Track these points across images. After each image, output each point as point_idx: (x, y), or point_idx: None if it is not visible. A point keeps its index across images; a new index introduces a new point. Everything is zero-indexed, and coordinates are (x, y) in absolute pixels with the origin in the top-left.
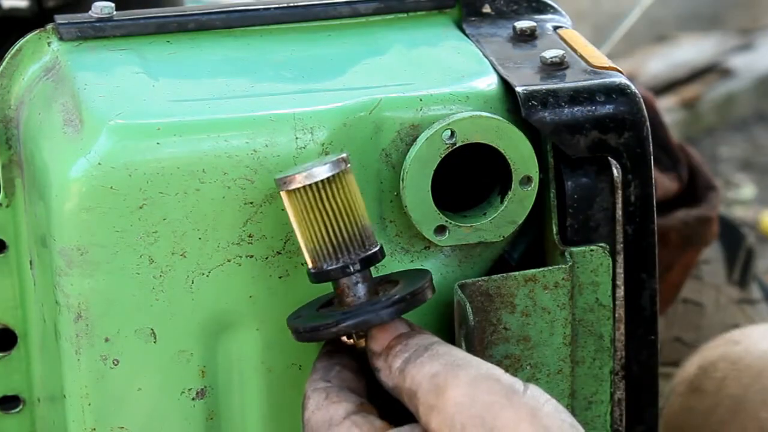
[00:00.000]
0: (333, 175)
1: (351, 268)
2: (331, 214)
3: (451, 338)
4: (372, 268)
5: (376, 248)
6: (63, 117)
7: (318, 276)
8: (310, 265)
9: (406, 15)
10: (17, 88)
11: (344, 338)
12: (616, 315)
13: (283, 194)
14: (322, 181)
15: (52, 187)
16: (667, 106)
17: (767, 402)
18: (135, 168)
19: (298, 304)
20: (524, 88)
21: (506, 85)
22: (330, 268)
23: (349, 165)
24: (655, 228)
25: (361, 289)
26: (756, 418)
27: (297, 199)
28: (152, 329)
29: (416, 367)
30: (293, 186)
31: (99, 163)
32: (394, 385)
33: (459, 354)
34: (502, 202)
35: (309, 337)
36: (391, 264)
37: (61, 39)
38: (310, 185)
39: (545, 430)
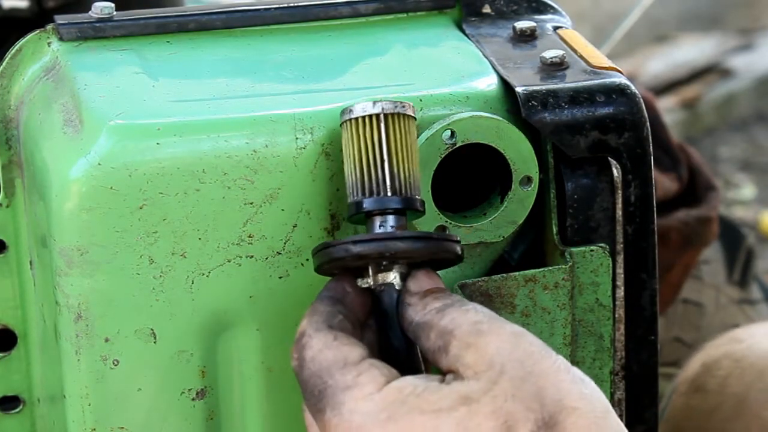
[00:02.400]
0: (390, 115)
1: (389, 207)
2: (357, 156)
3: None
4: None
5: (418, 197)
6: (63, 117)
7: (356, 207)
8: (349, 199)
9: (406, 15)
10: (17, 89)
11: (351, 282)
12: (616, 315)
13: (342, 127)
14: (377, 116)
15: (52, 187)
16: (667, 106)
17: None
18: (135, 168)
19: (298, 304)
20: (524, 88)
21: (506, 86)
22: (367, 200)
23: (411, 113)
24: (655, 228)
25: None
26: (759, 416)
27: (352, 129)
28: (152, 329)
29: (459, 311)
30: (350, 116)
31: (99, 164)
32: (423, 321)
33: (500, 316)
34: (502, 202)
35: (343, 254)
36: None
37: (61, 39)
38: (363, 117)
39: (581, 381)
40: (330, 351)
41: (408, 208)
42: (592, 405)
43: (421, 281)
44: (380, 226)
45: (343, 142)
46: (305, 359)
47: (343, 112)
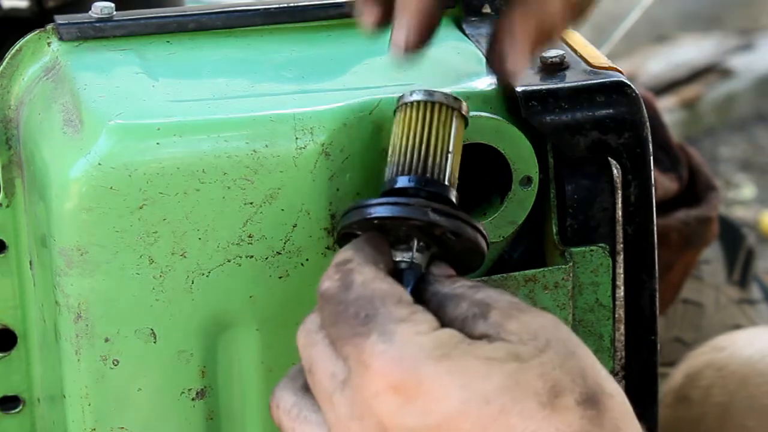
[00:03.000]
0: (442, 106)
1: (423, 189)
2: (426, 138)
3: None
4: None
5: (454, 189)
6: (63, 117)
7: (391, 184)
8: (387, 178)
9: None
10: (17, 89)
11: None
12: (616, 315)
13: (409, 105)
14: (432, 103)
15: (51, 187)
16: (667, 106)
17: (754, 409)
18: (135, 168)
19: (298, 304)
20: (524, 88)
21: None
22: (403, 178)
23: (465, 111)
24: (655, 228)
25: None
26: (743, 425)
27: (404, 112)
28: (152, 329)
29: (494, 291)
30: (407, 99)
31: (99, 164)
32: (453, 293)
33: None
34: (502, 202)
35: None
36: None
37: (61, 39)
38: (415, 102)
39: (611, 377)
40: (384, 284)
41: (447, 198)
42: (624, 398)
43: (444, 268)
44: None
45: (404, 120)
46: (354, 282)
47: (405, 94)
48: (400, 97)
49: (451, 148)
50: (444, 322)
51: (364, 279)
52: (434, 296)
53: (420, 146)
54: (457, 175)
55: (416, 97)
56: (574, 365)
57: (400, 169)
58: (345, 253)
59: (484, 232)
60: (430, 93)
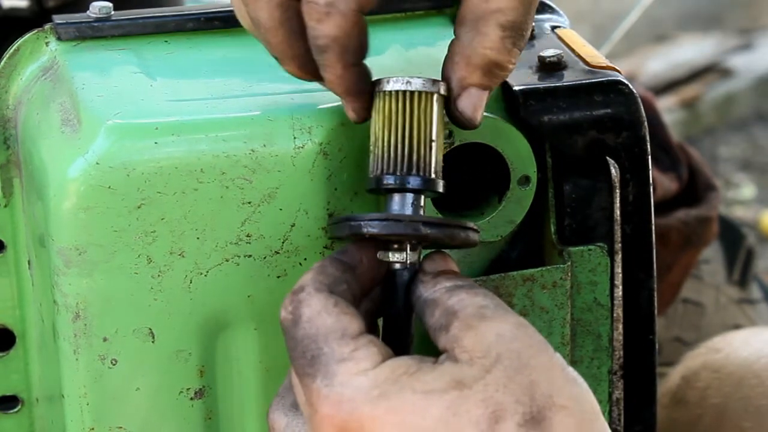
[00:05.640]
0: (421, 93)
1: (409, 184)
2: (407, 127)
3: None
4: None
5: (440, 180)
6: (61, 117)
7: (377, 182)
8: (371, 173)
9: (403, 15)
10: (15, 88)
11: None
12: (615, 314)
13: (380, 96)
14: (410, 92)
15: (50, 187)
16: (667, 106)
17: (749, 410)
18: (133, 168)
19: None
20: (522, 87)
21: (504, 85)
22: (388, 176)
23: (443, 91)
24: (653, 227)
25: (409, 211)
26: (739, 427)
27: (383, 101)
28: (150, 329)
29: (468, 293)
30: (383, 88)
31: (97, 163)
32: (431, 298)
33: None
34: (500, 201)
35: (359, 228)
36: None
37: (59, 39)
38: (393, 92)
39: (574, 381)
40: (330, 317)
41: (436, 192)
42: (582, 406)
43: (437, 263)
44: (412, 204)
45: (384, 110)
46: (301, 317)
47: (381, 82)
48: (377, 83)
49: (434, 136)
50: (425, 329)
51: (311, 314)
52: (418, 300)
53: (403, 140)
54: (441, 159)
55: (394, 86)
56: (523, 380)
57: (385, 166)
58: (304, 277)
59: (470, 225)
60: (408, 81)
